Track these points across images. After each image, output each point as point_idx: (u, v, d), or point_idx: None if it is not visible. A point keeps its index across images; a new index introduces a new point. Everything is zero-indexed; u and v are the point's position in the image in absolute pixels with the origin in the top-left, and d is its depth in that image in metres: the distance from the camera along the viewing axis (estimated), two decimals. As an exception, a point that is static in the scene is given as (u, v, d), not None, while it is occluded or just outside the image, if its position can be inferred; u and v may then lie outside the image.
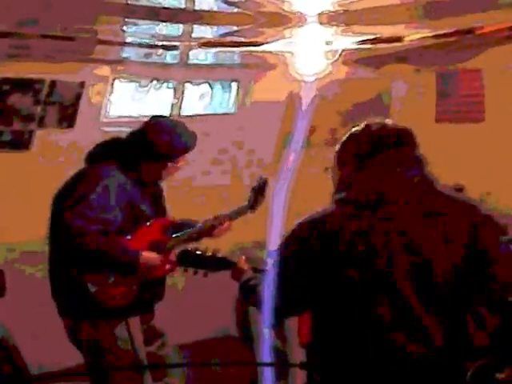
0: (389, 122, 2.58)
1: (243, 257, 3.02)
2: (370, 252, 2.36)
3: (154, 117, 3.70)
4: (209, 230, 3.80)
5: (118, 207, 3.47)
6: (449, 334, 2.33)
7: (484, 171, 5.37)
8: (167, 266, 3.62)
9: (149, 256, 3.53)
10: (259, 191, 3.93)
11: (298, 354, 3.73)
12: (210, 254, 3.17)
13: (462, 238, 2.38)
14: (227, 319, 4.65)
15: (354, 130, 2.58)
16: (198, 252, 3.13)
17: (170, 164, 3.62)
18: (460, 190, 4.99)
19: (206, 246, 3.53)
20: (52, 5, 4.13)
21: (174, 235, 3.71)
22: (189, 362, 3.86)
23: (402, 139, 2.52)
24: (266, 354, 2.87)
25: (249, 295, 2.74)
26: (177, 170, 3.69)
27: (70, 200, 3.45)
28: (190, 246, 3.47)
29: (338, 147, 2.59)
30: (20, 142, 5.46)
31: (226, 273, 3.04)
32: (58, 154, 5.08)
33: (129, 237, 3.55)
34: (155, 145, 3.56)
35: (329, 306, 2.45)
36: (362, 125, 2.57)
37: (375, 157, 2.48)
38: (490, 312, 2.40)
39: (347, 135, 2.59)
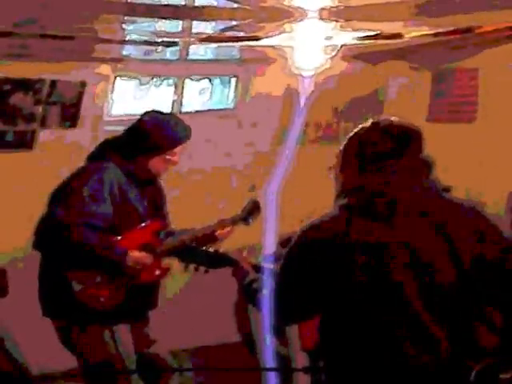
0: (397, 120, 2.49)
1: (244, 254, 3.01)
2: (380, 263, 2.33)
3: (147, 112, 3.74)
4: (202, 238, 3.77)
5: (110, 200, 3.49)
6: (456, 343, 2.33)
7: (475, 171, 5.38)
8: (157, 272, 3.61)
9: (137, 255, 3.53)
10: (251, 212, 3.92)
11: (300, 359, 3.77)
12: (212, 250, 3.17)
13: (469, 247, 2.37)
14: (229, 324, 4.66)
15: (360, 127, 2.49)
16: (201, 248, 3.13)
17: (165, 156, 3.64)
18: (447, 190, 4.99)
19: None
20: (51, 4, 4.11)
21: (166, 240, 3.71)
22: (191, 367, 3.88)
23: (412, 141, 2.44)
24: (269, 359, 2.89)
25: (253, 298, 2.69)
26: (173, 163, 3.71)
27: (61, 195, 3.48)
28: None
29: (342, 145, 2.52)
30: (23, 142, 5.47)
31: (226, 278, 3.02)
32: (61, 153, 5.09)
33: (119, 237, 3.55)
34: (151, 136, 3.61)
35: (337, 313, 2.43)
36: (369, 122, 2.48)
37: (383, 160, 2.40)
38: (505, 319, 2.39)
39: (353, 133, 2.51)
